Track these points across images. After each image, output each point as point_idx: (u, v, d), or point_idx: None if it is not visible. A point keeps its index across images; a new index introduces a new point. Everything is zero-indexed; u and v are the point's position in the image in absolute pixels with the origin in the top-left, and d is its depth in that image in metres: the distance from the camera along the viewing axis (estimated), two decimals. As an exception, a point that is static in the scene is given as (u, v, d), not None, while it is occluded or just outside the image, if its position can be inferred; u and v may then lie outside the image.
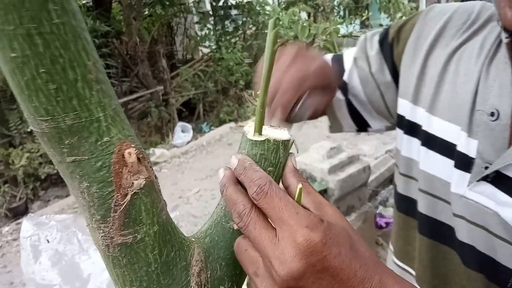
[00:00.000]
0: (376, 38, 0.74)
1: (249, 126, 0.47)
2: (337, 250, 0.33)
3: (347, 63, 0.77)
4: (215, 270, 0.46)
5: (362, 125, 0.80)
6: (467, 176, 0.56)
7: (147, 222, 0.39)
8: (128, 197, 0.36)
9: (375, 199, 3.20)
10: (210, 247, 0.46)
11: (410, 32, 0.69)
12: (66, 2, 0.29)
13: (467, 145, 0.56)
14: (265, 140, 0.44)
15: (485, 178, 0.54)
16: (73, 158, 0.34)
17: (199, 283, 0.45)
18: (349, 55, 0.78)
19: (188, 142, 5.67)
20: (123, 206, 0.36)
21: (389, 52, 0.71)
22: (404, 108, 0.68)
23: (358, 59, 0.75)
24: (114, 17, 6.54)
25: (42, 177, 4.53)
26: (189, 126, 6.01)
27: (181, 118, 6.41)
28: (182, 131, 5.85)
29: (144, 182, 0.37)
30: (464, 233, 0.57)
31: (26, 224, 0.62)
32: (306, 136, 5.05)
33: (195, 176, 4.56)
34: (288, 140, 0.46)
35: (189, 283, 0.44)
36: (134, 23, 5.84)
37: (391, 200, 3.13)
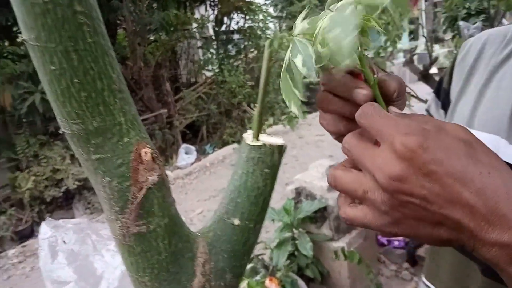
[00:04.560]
0: (432, 95, 0.76)
1: (248, 134, 0.53)
2: (443, 155, 0.32)
3: None
4: (218, 261, 0.51)
5: None
6: None
7: (159, 214, 0.45)
8: (143, 190, 0.42)
9: (377, 218, 3.21)
10: (214, 240, 0.51)
11: (453, 68, 0.71)
12: (97, 25, 0.36)
13: (508, 153, 0.54)
14: (262, 145, 0.50)
15: None
16: (98, 156, 0.40)
17: (204, 273, 0.50)
18: None
19: (192, 164, 5.73)
20: (138, 199, 0.42)
21: (446, 96, 0.72)
22: None
23: None
24: (120, 43, 6.73)
25: (48, 200, 4.58)
26: (192, 148, 6.08)
27: (185, 140, 6.50)
28: (186, 153, 5.92)
29: (157, 178, 0.43)
30: None
31: (45, 227, 0.68)
32: (308, 156, 5.10)
33: (198, 197, 4.60)
34: (282, 146, 0.52)
35: (195, 272, 0.49)
36: (138, 48, 6.01)
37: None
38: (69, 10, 0.34)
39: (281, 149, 0.52)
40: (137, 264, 0.46)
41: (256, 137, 0.51)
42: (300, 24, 0.40)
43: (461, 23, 1.64)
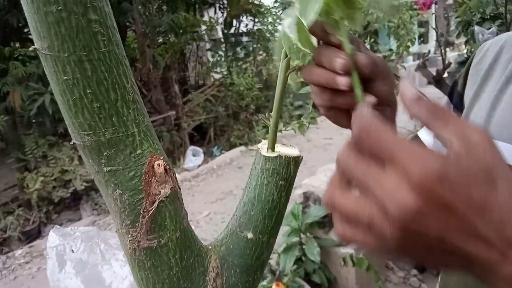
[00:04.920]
0: (445, 98, 0.75)
1: (263, 144, 0.51)
2: (462, 185, 0.29)
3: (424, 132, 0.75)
4: (229, 276, 0.49)
5: None
6: None
7: (171, 228, 0.43)
8: (156, 204, 0.41)
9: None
10: (226, 254, 0.50)
11: (468, 71, 0.70)
12: (112, 33, 0.35)
13: None
14: (277, 156, 0.48)
15: None
16: (110, 168, 0.38)
17: (216, 288, 0.48)
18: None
19: (199, 166, 5.72)
20: (150, 212, 0.41)
21: (459, 100, 0.71)
22: None
23: None
24: (129, 45, 6.76)
25: (56, 200, 4.60)
26: (200, 150, 6.08)
27: (192, 142, 6.50)
28: (193, 155, 5.92)
29: (170, 191, 0.42)
30: None
31: (53, 235, 0.67)
32: (316, 159, 5.07)
33: (205, 199, 4.59)
34: (298, 157, 0.50)
35: (206, 287, 0.48)
36: (148, 50, 6.02)
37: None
38: (84, 19, 0.33)
39: (297, 161, 0.50)
40: (147, 279, 0.45)
41: (272, 148, 0.49)
42: None
43: (475, 28, 1.61)
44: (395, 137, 0.32)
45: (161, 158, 0.41)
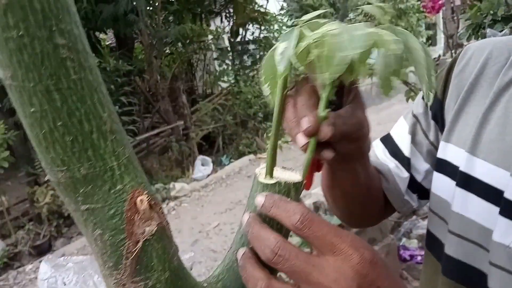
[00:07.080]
0: (420, 100, 0.72)
1: (261, 168, 0.47)
2: (385, 272, 0.36)
3: (401, 138, 0.73)
4: (228, 315, 0.45)
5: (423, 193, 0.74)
6: None
7: (159, 269, 0.39)
8: (140, 244, 0.37)
9: (398, 231, 3.11)
10: (223, 292, 0.45)
11: (449, 76, 0.66)
12: (84, 58, 0.31)
13: None
14: (276, 183, 0.44)
15: None
16: (87, 206, 0.35)
17: (212, 330, 0.44)
18: (399, 130, 0.74)
19: (208, 175, 5.70)
20: (134, 253, 0.37)
21: (439, 107, 0.68)
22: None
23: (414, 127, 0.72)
24: (136, 57, 6.80)
25: (66, 214, 4.60)
26: (209, 159, 6.06)
27: (201, 152, 6.48)
28: (202, 165, 5.90)
29: (156, 228, 0.38)
30: (498, 283, 0.54)
31: (44, 266, 0.63)
32: (325, 168, 5.01)
33: (214, 210, 4.55)
34: (299, 182, 0.46)
35: (202, 329, 0.43)
36: (155, 61, 6.05)
37: (415, 232, 3.04)
38: (49, 44, 0.29)
39: (298, 187, 0.45)
40: (135, 323, 0.40)
41: (270, 173, 0.45)
42: (311, 17, 0.42)
43: (488, 30, 1.56)
44: (335, 227, 0.37)
45: (145, 192, 0.37)
